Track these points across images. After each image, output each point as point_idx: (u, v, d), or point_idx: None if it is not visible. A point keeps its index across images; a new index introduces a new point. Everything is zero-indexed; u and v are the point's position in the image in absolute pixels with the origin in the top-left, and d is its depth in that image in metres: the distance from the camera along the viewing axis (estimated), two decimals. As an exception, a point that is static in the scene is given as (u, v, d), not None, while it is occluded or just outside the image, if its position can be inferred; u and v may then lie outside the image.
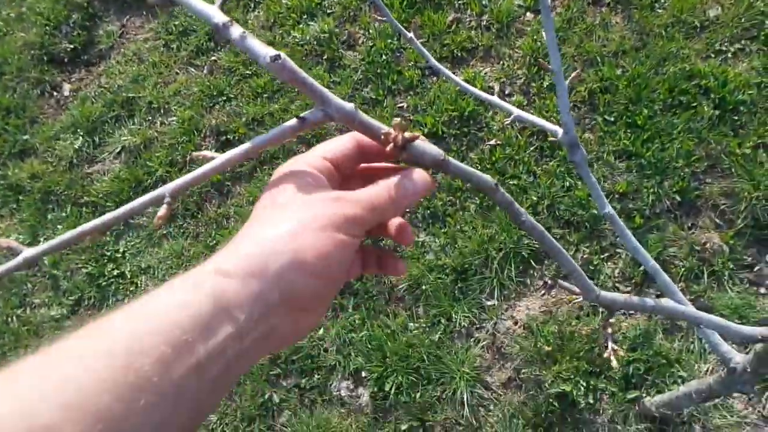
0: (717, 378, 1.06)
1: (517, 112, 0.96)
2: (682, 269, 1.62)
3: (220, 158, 0.43)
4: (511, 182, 1.88)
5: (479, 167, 1.94)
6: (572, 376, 1.56)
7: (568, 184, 1.82)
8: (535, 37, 2.07)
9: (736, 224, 1.64)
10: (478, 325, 1.74)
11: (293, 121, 0.42)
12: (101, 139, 2.56)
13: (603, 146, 1.85)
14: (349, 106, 0.40)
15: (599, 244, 1.73)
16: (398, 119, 0.40)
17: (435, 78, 2.17)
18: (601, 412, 1.54)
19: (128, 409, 0.28)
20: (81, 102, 2.67)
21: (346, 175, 0.44)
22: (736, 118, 1.75)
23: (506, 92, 2.06)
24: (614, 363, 0.68)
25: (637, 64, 1.91)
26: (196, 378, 0.31)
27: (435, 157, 0.43)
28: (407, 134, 0.40)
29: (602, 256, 1.71)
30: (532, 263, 1.77)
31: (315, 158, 0.42)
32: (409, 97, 2.17)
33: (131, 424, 0.28)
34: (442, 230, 1.88)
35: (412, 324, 1.78)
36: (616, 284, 1.67)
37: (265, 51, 0.39)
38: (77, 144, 2.56)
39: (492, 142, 1.97)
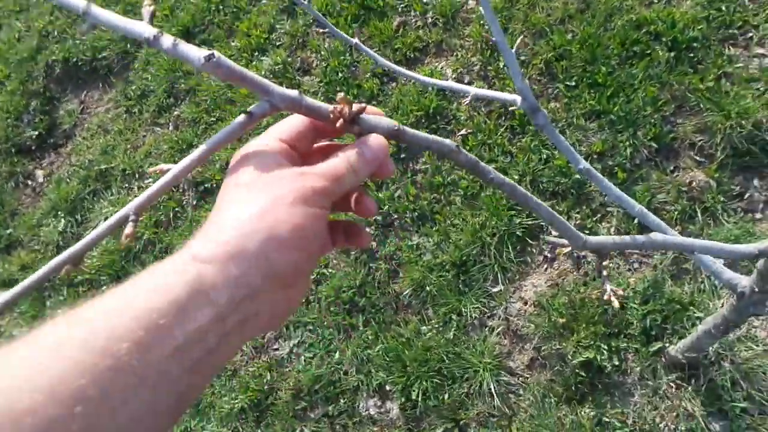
0: (729, 307, 1.05)
1: (473, 90, 0.96)
2: (675, 213, 1.62)
3: (177, 167, 0.43)
4: (489, 166, 1.88)
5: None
6: (592, 342, 1.54)
7: (545, 155, 1.82)
8: (481, 22, 2.09)
9: (716, 157, 1.64)
10: (489, 314, 1.73)
11: (241, 117, 0.42)
12: (83, 216, 2.56)
13: (570, 111, 1.85)
14: (294, 92, 0.40)
15: (589, 207, 1.73)
16: (341, 94, 0.40)
17: (395, 83, 2.18)
18: (628, 371, 1.52)
19: (105, 391, 0.28)
20: (56, 185, 2.67)
21: (304, 153, 0.44)
22: (692, 55, 1.76)
23: (465, 81, 2.07)
24: (615, 304, 0.68)
25: (585, 26, 1.92)
26: (176, 362, 0.31)
27: (389, 128, 0.43)
28: (355, 107, 0.40)
29: (594, 219, 1.71)
30: (528, 240, 1.76)
31: (271, 139, 0.42)
32: (372, 106, 2.17)
33: (109, 407, 0.28)
34: (434, 228, 1.88)
35: (424, 327, 1.76)
36: (615, 242, 1.66)
37: (198, 53, 0.39)
38: (60, 226, 2.55)
39: (462, 132, 1.98)
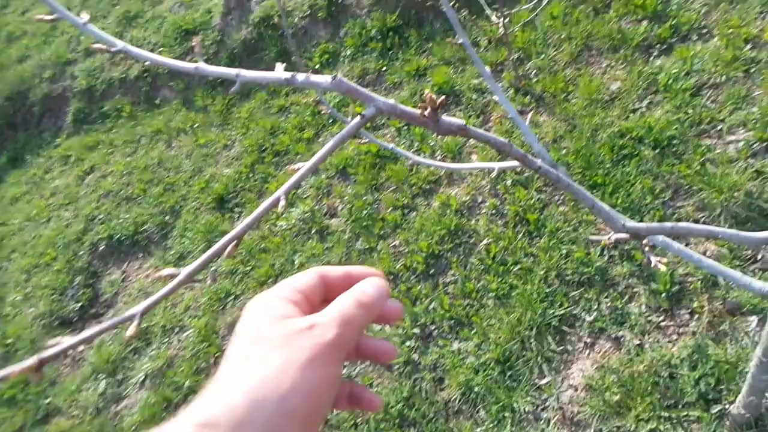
0: (765, 330, 1.11)
1: (497, 165, 1.14)
2: (698, 282, 1.71)
3: (307, 165, 0.58)
4: (514, 268, 2.01)
5: (481, 268, 2.09)
6: (652, 414, 1.52)
7: (564, 251, 1.97)
8: (485, 151, 2.40)
9: (722, 229, 1.78)
10: (541, 406, 1.71)
11: (357, 118, 0.58)
12: (124, 375, 2.60)
13: (579, 212, 2.04)
14: (391, 101, 0.57)
15: (616, 290, 1.82)
16: (427, 90, 0.57)
17: (415, 212, 2.41)
18: (696, 441, 1.48)
19: None
20: (97, 348, 2.76)
21: (315, 307, 0.43)
22: (674, 149, 2.01)
23: (478, 201, 2.30)
24: (662, 268, 0.77)
25: (576, 141, 2.21)
26: None
27: (459, 125, 0.58)
28: (438, 98, 0.57)
29: (624, 300, 1.79)
30: (565, 329, 1.82)
31: (286, 289, 0.41)
32: (398, 235, 2.38)
33: None
34: (472, 332, 1.94)
35: (479, 430, 1.73)
36: (648, 318, 1.73)
37: (324, 78, 0.57)
38: (101, 388, 2.58)
39: (484, 242, 2.15)
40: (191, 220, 3.10)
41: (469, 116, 2.57)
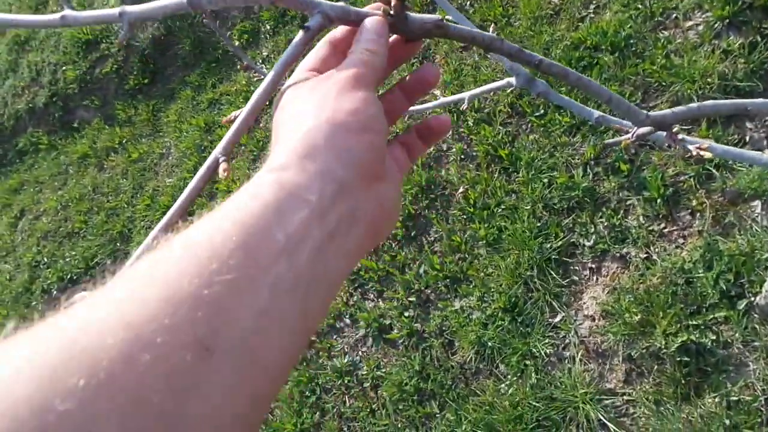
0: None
1: (467, 94, 0.99)
2: (691, 178, 1.63)
3: (245, 108, 0.42)
4: (498, 210, 1.89)
5: (464, 218, 1.96)
6: (679, 326, 1.44)
7: (546, 179, 1.85)
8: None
9: (701, 119, 1.70)
10: (562, 345, 1.61)
11: (300, 34, 0.42)
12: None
13: (551, 136, 1.92)
14: (340, 3, 0.41)
15: (609, 207, 1.72)
16: None
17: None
18: (730, 341, 1.41)
19: (219, 293, 0.26)
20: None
21: None
22: (634, 49, 1.90)
23: (444, 149, 2.16)
24: (706, 155, 0.64)
25: (530, 63, 2.08)
26: (286, 263, 0.28)
27: (435, 20, 0.43)
28: None
29: (619, 216, 1.69)
30: (566, 260, 1.72)
31: (300, 73, 0.42)
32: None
33: (226, 309, 0.26)
34: (471, 286, 1.82)
35: (503, 385, 1.62)
36: (649, 228, 1.64)
37: None
38: None
39: (460, 190, 2.01)
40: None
41: (413, 65, 2.40)
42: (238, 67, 3.07)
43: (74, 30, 3.83)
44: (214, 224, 0.29)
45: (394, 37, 0.42)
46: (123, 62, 3.58)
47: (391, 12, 0.41)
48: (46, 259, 3.19)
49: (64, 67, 3.77)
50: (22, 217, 3.66)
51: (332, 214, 0.31)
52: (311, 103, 0.35)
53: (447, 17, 0.48)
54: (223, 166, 0.39)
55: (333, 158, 0.32)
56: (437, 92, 2.02)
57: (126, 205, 3.11)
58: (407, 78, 0.44)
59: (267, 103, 0.43)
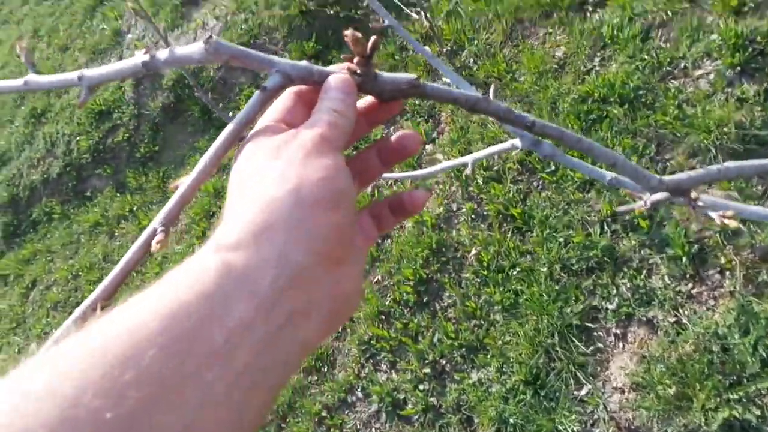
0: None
1: (470, 157, 0.94)
2: (717, 235, 1.53)
3: (193, 172, 0.38)
4: (513, 272, 1.80)
5: (478, 282, 1.87)
6: (719, 399, 1.31)
7: (561, 239, 1.77)
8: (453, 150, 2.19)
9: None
10: (590, 421, 1.49)
11: (256, 94, 0.37)
12: None
13: (563, 192, 1.85)
14: (303, 62, 0.37)
15: (630, 267, 1.62)
16: (349, 31, 0.35)
17: (390, 240, 2.19)
18: (776, 416, 1.27)
19: (130, 413, 0.22)
20: None
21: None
22: (644, 100, 1.84)
23: (454, 209, 2.09)
24: (733, 224, 0.56)
25: (537, 117, 2.03)
26: (221, 368, 0.25)
27: (408, 80, 0.38)
28: (369, 43, 0.36)
29: (642, 276, 1.59)
30: (589, 325, 1.61)
31: (265, 122, 0.38)
32: (378, 269, 2.14)
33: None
34: (489, 356, 1.71)
35: (528, 468, 1.49)
36: (676, 289, 1.53)
37: (195, 47, 0.37)
38: None
39: (473, 252, 1.93)
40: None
41: (418, 123, 2.37)
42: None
43: (89, 101, 3.92)
44: (139, 315, 0.25)
45: (369, 98, 0.39)
46: (134, 130, 3.63)
47: (357, 71, 0.37)
48: (54, 330, 3.13)
49: (77, 138, 3.84)
50: (34, 287, 3.64)
51: (283, 307, 0.28)
52: (274, 169, 0.31)
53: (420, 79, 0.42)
54: (158, 237, 0.35)
55: (292, 241, 0.29)
56: (440, 155, 1.97)
57: (135, 274, 3.06)
58: (388, 140, 0.41)
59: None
